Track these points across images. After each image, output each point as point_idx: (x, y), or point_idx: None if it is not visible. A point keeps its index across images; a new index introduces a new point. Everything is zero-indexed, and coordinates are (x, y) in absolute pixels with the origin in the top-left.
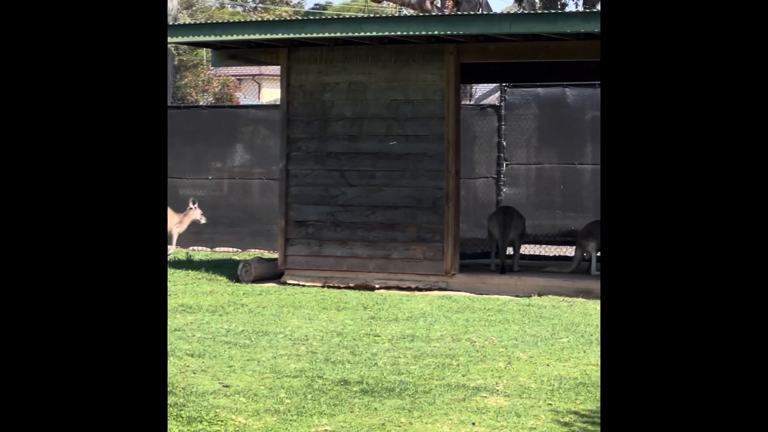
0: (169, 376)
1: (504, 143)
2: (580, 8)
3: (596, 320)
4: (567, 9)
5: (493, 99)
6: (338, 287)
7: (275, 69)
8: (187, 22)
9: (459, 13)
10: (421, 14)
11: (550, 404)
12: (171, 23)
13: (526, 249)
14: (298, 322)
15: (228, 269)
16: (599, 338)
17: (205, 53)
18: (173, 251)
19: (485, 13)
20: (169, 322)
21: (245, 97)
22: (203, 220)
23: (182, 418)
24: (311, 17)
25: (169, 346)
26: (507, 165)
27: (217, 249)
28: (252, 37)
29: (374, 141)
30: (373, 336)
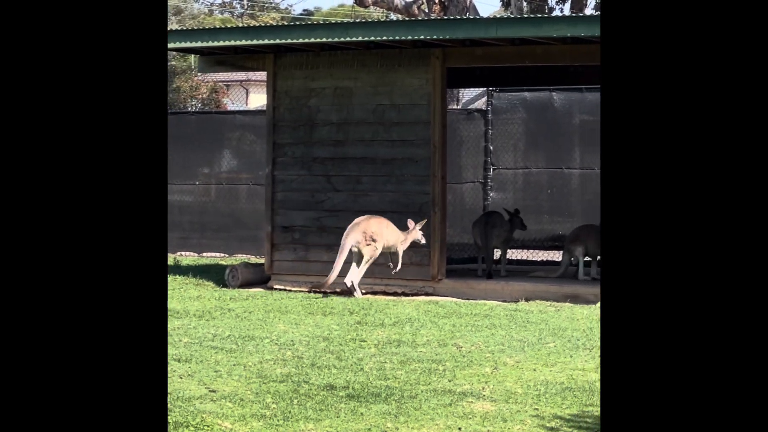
0: None
1: (491, 148)
2: (567, 13)
3: (583, 325)
4: (554, 14)
5: (480, 103)
6: (325, 292)
7: (263, 75)
8: (174, 29)
9: (445, 17)
10: (407, 19)
11: (537, 409)
12: None
13: (514, 254)
14: (284, 327)
15: (215, 274)
16: (586, 343)
17: (193, 59)
18: (398, 269)
19: (472, 17)
20: None
21: (233, 102)
22: (423, 241)
23: (169, 423)
24: (298, 23)
25: None
26: (494, 169)
27: (205, 254)
28: (238, 43)
29: (360, 146)
30: (360, 341)
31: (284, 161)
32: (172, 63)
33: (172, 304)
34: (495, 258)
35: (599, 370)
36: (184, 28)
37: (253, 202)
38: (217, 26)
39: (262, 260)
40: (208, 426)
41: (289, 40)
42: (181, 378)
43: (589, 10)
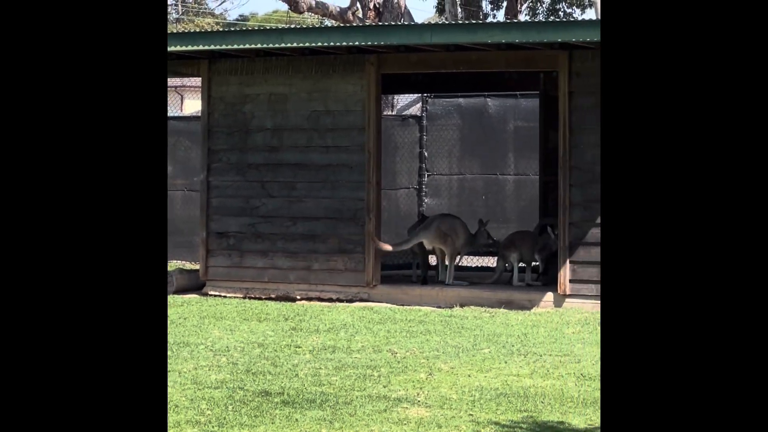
0: None
1: (426, 154)
2: (501, 19)
3: (518, 331)
4: (488, 20)
5: (415, 109)
6: (259, 298)
7: (197, 81)
8: None
9: (380, 23)
10: (342, 25)
11: (471, 415)
12: None
13: None
14: (219, 333)
15: None
16: (520, 349)
17: None
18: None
19: (406, 23)
20: None
21: (168, 108)
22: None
23: None
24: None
25: None
26: (429, 175)
27: None
28: (173, 48)
29: (295, 152)
30: (294, 347)
31: (219, 167)
32: None
33: None
34: (432, 264)
35: (534, 375)
36: None
37: (188, 209)
38: None
39: (197, 266)
40: None
41: (224, 46)
42: None
43: (523, 17)
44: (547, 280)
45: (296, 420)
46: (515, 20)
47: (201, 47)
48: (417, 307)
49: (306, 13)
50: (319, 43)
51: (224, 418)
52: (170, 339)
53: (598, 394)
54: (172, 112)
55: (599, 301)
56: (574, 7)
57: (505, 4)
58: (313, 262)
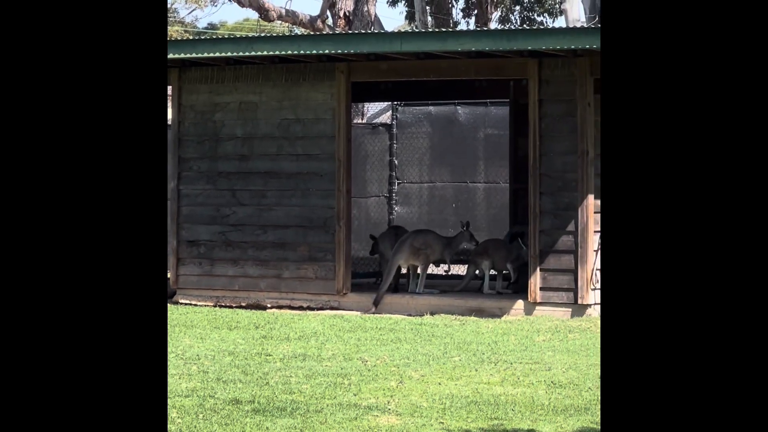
0: None
1: (396, 162)
2: (472, 27)
3: (488, 338)
4: (459, 28)
5: (385, 117)
6: (230, 306)
7: (168, 89)
8: None
9: (350, 31)
10: (312, 33)
11: (442, 423)
12: None
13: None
14: (189, 341)
15: None
16: (491, 357)
17: None
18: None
19: (376, 31)
20: None
21: None
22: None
23: None
24: (203, 36)
25: None
26: (399, 183)
27: None
28: None
29: (265, 160)
30: (265, 355)
31: (189, 176)
32: None
33: None
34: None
35: (504, 383)
36: None
37: None
38: None
39: (167, 275)
40: None
41: (194, 54)
42: None
43: (493, 24)
44: (518, 288)
45: (267, 428)
46: (485, 28)
47: (171, 56)
48: (387, 315)
49: (276, 21)
50: (290, 52)
51: (195, 427)
52: None
53: (568, 401)
54: None
55: (570, 309)
56: (546, 15)
57: (475, 12)
58: (284, 270)
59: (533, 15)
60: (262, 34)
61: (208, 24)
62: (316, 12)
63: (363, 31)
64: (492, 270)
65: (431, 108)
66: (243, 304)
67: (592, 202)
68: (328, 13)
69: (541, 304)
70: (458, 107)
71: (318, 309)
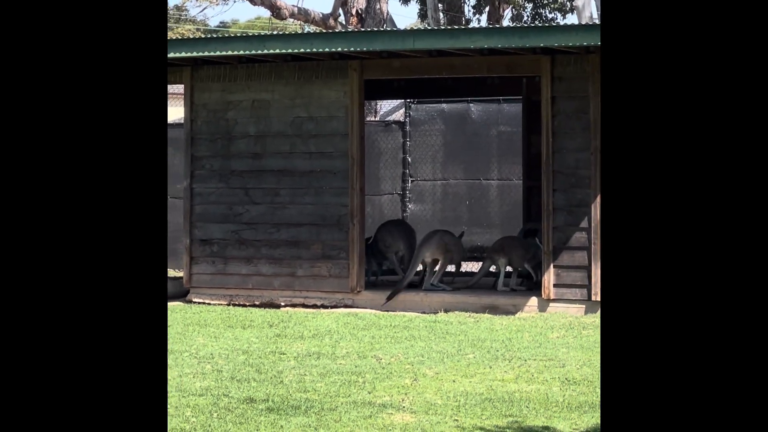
0: None
1: (409, 159)
2: (484, 24)
3: (502, 336)
4: (471, 25)
5: (398, 115)
6: (244, 305)
7: (180, 88)
8: None
9: (363, 29)
10: (324, 31)
11: (456, 420)
12: None
13: None
14: (203, 340)
15: None
16: (505, 354)
17: None
18: None
19: (389, 29)
20: None
21: None
22: None
23: None
24: (215, 35)
25: None
26: (412, 181)
27: None
28: None
29: (278, 158)
30: (279, 354)
31: (202, 174)
32: None
33: None
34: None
35: (518, 380)
36: None
37: (171, 216)
38: None
39: (180, 274)
40: None
41: (206, 53)
42: None
43: (505, 22)
44: (531, 285)
45: (281, 427)
46: (498, 25)
47: (183, 54)
48: (401, 312)
49: (288, 19)
50: (302, 50)
51: (209, 426)
52: None
53: (583, 398)
54: None
55: (584, 306)
56: (557, 12)
57: (487, 9)
58: (297, 268)
59: (545, 12)
60: (275, 32)
61: (220, 22)
62: (328, 10)
63: (375, 29)
64: (508, 266)
65: (444, 105)
66: (257, 303)
67: None
68: (341, 10)
69: (554, 300)
70: (471, 104)
71: (332, 307)
